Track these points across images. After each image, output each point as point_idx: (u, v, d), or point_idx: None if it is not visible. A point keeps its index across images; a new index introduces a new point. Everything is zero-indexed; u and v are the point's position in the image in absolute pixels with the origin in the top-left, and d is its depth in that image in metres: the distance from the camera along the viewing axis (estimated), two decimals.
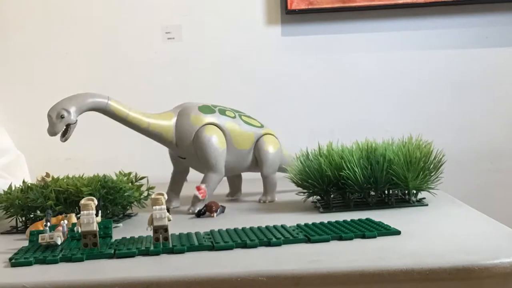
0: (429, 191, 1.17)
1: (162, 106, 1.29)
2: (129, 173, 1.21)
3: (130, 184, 1.17)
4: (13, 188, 1.16)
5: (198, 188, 1.20)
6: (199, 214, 1.16)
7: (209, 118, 1.24)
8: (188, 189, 1.28)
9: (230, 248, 0.89)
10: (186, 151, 1.24)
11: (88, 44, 1.81)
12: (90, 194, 1.09)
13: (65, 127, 1.14)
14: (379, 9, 1.76)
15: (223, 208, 1.20)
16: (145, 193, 1.20)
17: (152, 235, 0.91)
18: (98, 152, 1.79)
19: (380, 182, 1.13)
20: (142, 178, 1.21)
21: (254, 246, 0.89)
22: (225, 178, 1.29)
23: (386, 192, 1.18)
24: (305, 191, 1.19)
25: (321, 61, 1.81)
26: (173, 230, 0.96)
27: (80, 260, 0.86)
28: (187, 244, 0.90)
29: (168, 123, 1.23)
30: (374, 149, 1.16)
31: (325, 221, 1.01)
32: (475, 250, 0.82)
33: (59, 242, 0.92)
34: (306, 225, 1.00)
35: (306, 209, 1.18)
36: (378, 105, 1.81)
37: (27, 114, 1.79)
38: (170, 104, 1.30)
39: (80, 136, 1.28)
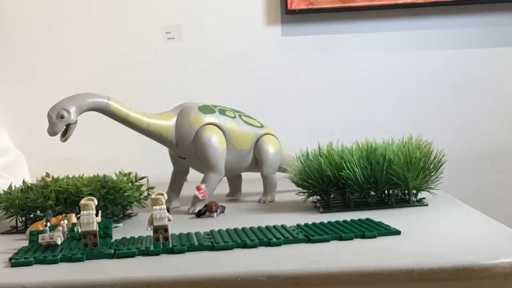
0: (429, 191, 1.17)
1: (162, 106, 1.29)
2: (129, 173, 1.21)
3: (130, 184, 1.17)
4: (13, 188, 1.16)
5: (198, 188, 1.20)
6: (199, 214, 1.16)
7: (209, 118, 1.24)
8: (188, 189, 1.28)
9: (230, 248, 0.89)
10: (186, 151, 1.24)
11: (88, 44, 1.81)
12: (90, 194, 1.09)
13: (65, 127, 1.14)
14: (379, 9, 1.76)
15: (223, 208, 1.20)
16: (145, 193, 1.20)
17: (152, 235, 0.91)
18: (98, 152, 1.79)
19: (380, 182, 1.13)
20: (142, 178, 1.21)
21: (254, 246, 0.89)
22: (225, 178, 1.29)
23: (386, 192, 1.18)
24: (305, 191, 1.19)
25: (321, 61, 1.81)
26: (173, 230, 0.96)
27: (80, 260, 0.86)
28: (187, 244, 0.89)
29: (168, 123, 1.23)
30: (374, 149, 1.16)
31: (325, 221, 1.01)
32: (475, 250, 0.82)
33: (59, 242, 0.92)
34: (306, 225, 1.00)
35: (306, 209, 1.18)
36: (378, 105, 1.81)
37: (27, 114, 1.79)
38: (170, 104, 1.30)
39: (80, 136, 1.28)
